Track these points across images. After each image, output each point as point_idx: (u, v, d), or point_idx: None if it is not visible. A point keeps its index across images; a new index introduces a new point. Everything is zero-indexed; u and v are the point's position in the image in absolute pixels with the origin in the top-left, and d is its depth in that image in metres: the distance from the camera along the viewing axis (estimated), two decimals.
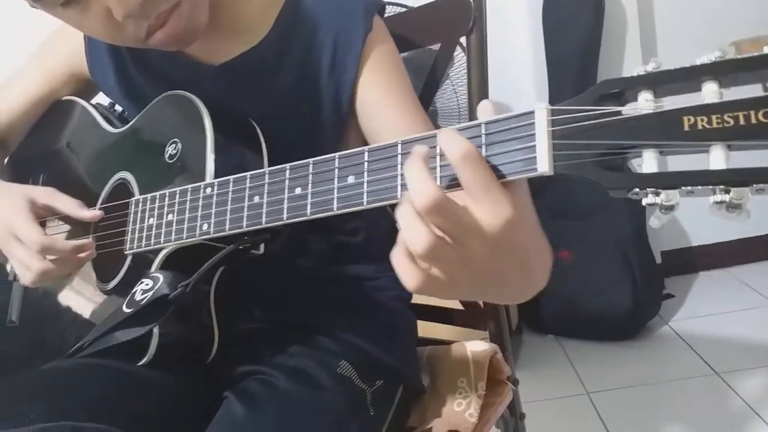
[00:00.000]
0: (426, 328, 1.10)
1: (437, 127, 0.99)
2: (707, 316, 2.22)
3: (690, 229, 2.53)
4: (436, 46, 1.08)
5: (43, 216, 0.87)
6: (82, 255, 0.83)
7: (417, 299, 1.07)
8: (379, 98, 0.86)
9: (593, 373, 2.02)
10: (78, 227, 0.90)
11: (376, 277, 0.99)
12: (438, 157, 0.53)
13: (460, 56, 1.59)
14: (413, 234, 0.49)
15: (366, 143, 0.89)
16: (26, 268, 0.83)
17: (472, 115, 1.05)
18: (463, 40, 1.04)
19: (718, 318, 2.19)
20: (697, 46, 2.23)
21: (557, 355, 2.16)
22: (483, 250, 0.50)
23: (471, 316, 1.10)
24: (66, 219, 0.89)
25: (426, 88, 1.10)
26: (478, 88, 1.03)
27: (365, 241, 0.98)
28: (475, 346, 1.01)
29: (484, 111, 0.53)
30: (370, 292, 0.98)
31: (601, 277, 2.14)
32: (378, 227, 1.01)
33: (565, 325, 2.23)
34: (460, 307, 1.12)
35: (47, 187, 0.89)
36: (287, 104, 0.88)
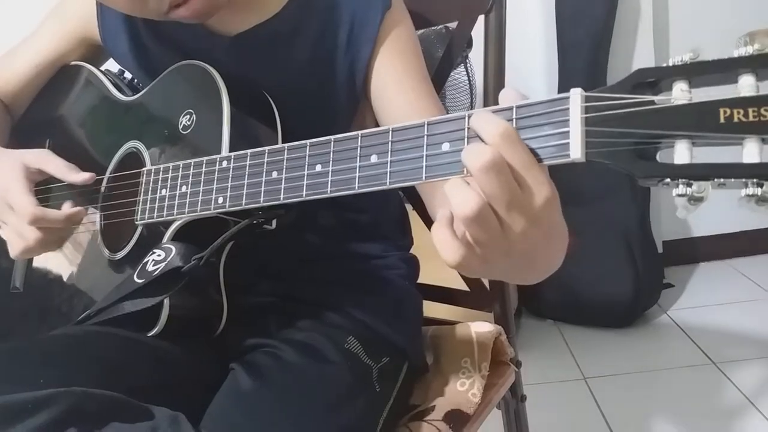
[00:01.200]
0: (431, 308, 1.10)
1: None
2: (706, 307, 2.22)
3: (692, 220, 2.53)
4: (453, 25, 1.07)
5: (37, 180, 0.86)
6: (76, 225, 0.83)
7: (423, 279, 1.07)
8: (393, 79, 0.85)
9: (591, 359, 2.02)
10: (84, 195, 0.89)
11: (384, 256, 0.99)
12: (466, 140, 0.53)
13: None
14: (463, 197, 0.49)
15: (377, 124, 0.88)
16: (20, 236, 0.82)
17: (487, 96, 1.04)
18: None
19: (717, 309, 2.20)
20: (710, 38, 2.21)
21: (555, 340, 2.17)
22: (522, 227, 0.51)
23: (476, 298, 1.10)
24: (70, 186, 0.88)
25: (440, 68, 1.09)
26: (495, 68, 1.02)
27: (375, 220, 0.98)
28: (480, 327, 1.01)
29: (507, 99, 0.52)
30: (378, 269, 0.98)
31: (603, 264, 2.14)
32: (388, 206, 1.01)
33: (565, 311, 2.23)
34: (465, 288, 1.12)
35: (40, 150, 0.88)
36: (301, 78, 0.87)
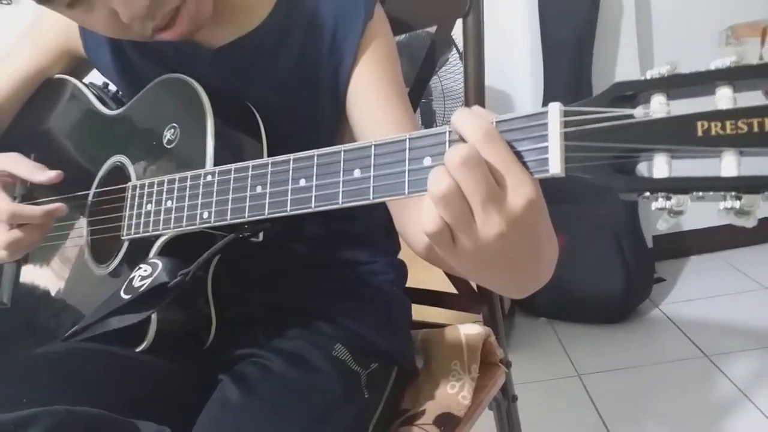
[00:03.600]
0: (420, 312, 1.10)
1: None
2: (697, 300, 2.23)
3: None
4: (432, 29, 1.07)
5: (8, 183, 0.85)
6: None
7: (411, 283, 1.07)
8: (372, 90, 0.85)
9: (584, 355, 2.03)
10: (70, 210, 0.88)
11: (372, 262, 0.99)
12: (447, 143, 0.53)
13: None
14: (436, 177, 0.50)
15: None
16: None
17: (467, 99, 1.04)
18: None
19: (709, 301, 2.21)
20: (693, 33, 2.21)
21: (549, 337, 2.17)
22: (499, 225, 0.50)
23: (465, 300, 1.11)
24: (56, 197, 0.88)
25: (421, 74, 1.09)
26: (474, 71, 1.02)
27: (361, 227, 0.98)
28: (469, 329, 1.01)
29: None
30: (366, 276, 0.98)
31: (594, 260, 2.15)
32: (374, 213, 1.01)
33: (557, 308, 2.24)
34: (454, 290, 1.12)
35: (11, 153, 0.87)
36: (286, 90, 0.87)
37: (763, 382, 1.75)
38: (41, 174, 0.84)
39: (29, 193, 0.87)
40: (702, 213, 2.35)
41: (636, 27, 2.29)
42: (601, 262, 2.15)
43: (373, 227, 1.01)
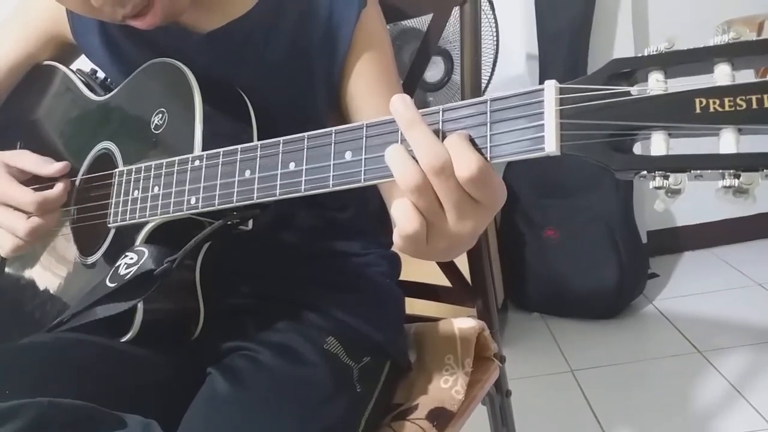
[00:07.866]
0: (414, 305, 1.09)
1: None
2: (691, 296, 2.24)
3: (676, 210, 2.53)
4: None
5: (20, 178, 0.84)
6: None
7: (405, 275, 1.06)
8: (365, 82, 0.85)
9: (577, 350, 2.03)
10: None
11: (365, 254, 0.98)
12: (440, 134, 0.52)
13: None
14: (402, 170, 0.52)
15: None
16: (13, 232, 0.80)
17: (464, 89, 1.03)
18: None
19: (702, 297, 2.21)
20: (689, 23, 2.21)
21: (542, 332, 2.17)
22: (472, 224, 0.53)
23: (459, 293, 1.10)
24: (42, 185, 0.87)
25: (417, 60, 1.08)
26: (471, 60, 1.01)
27: (354, 217, 0.97)
28: (463, 323, 1.00)
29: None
30: (358, 268, 0.97)
31: (588, 255, 2.15)
32: (367, 203, 1.00)
33: (551, 303, 2.24)
34: (448, 284, 1.11)
35: (16, 150, 0.87)
36: (278, 76, 0.86)
37: (755, 377, 1.75)
38: (48, 167, 0.84)
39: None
40: (696, 209, 2.36)
41: (632, 20, 2.29)
42: (595, 258, 2.14)
43: (366, 217, 1.00)
